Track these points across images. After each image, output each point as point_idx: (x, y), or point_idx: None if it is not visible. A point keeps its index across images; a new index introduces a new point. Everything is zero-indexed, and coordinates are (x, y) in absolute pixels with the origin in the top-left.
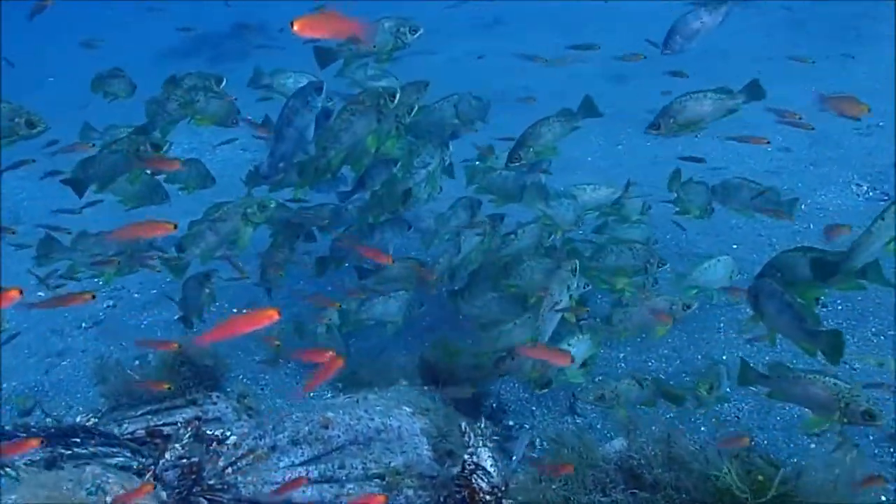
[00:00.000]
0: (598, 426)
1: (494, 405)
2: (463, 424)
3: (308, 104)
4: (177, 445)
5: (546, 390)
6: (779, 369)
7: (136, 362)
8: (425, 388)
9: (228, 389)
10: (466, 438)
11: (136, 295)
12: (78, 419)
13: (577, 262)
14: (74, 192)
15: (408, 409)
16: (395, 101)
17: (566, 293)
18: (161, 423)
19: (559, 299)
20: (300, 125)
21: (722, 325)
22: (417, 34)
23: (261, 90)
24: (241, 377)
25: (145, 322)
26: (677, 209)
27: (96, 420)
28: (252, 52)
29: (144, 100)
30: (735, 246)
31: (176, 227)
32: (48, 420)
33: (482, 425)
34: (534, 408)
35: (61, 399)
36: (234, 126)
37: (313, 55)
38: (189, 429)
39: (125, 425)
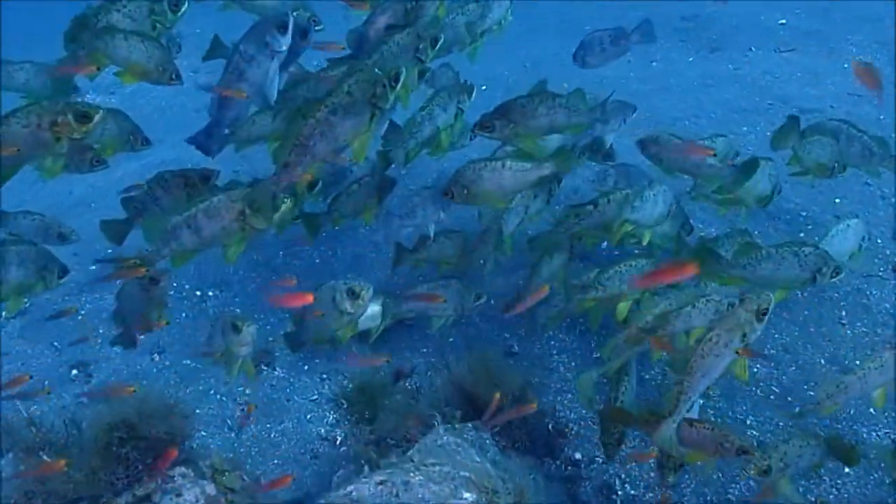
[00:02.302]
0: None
1: (551, 426)
2: None
3: (267, 48)
4: None
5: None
6: None
7: (75, 372)
8: (469, 425)
9: (198, 450)
10: None
11: (70, 272)
12: None
13: (770, 298)
14: None
15: (469, 496)
16: (399, 85)
17: (737, 342)
18: None
19: (720, 352)
20: (256, 79)
21: (845, 314)
22: None
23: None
24: (215, 394)
25: (84, 309)
26: (794, 170)
27: None
28: None
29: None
30: (837, 200)
31: None
32: None
33: None
34: None
35: None
36: (173, 83)
37: None
38: None
39: None
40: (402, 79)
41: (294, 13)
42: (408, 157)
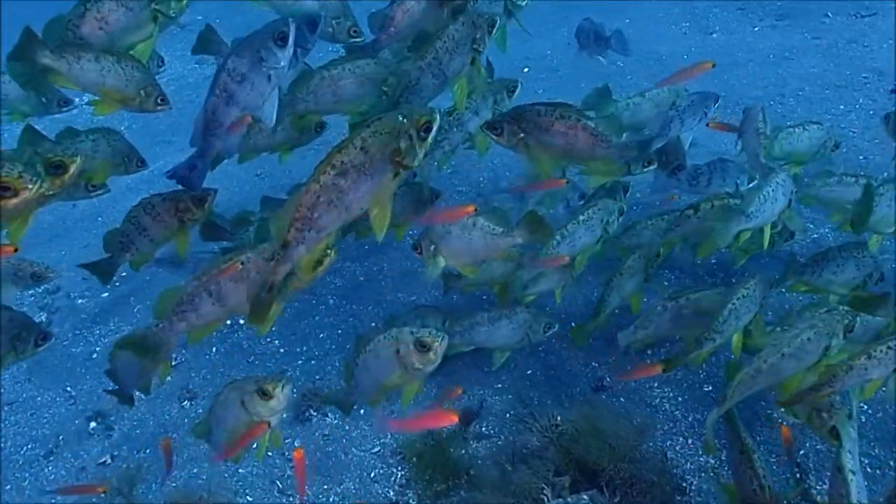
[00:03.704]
0: None
1: (665, 484)
2: None
3: (262, 64)
4: None
5: None
6: None
7: (93, 425)
8: (585, 497)
9: None
10: None
11: (79, 301)
12: None
13: None
14: None
15: None
16: (430, 136)
17: None
18: None
19: None
20: (249, 102)
21: None
22: None
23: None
24: None
25: (99, 346)
26: None
27: None
28: None
29: None
30: None
31: None
32: None
33: None
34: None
35: None
36: (160, 108)
37: None
38: None
39: None
40: (434, 128)
41: (335, 21)
42: (438, 166)
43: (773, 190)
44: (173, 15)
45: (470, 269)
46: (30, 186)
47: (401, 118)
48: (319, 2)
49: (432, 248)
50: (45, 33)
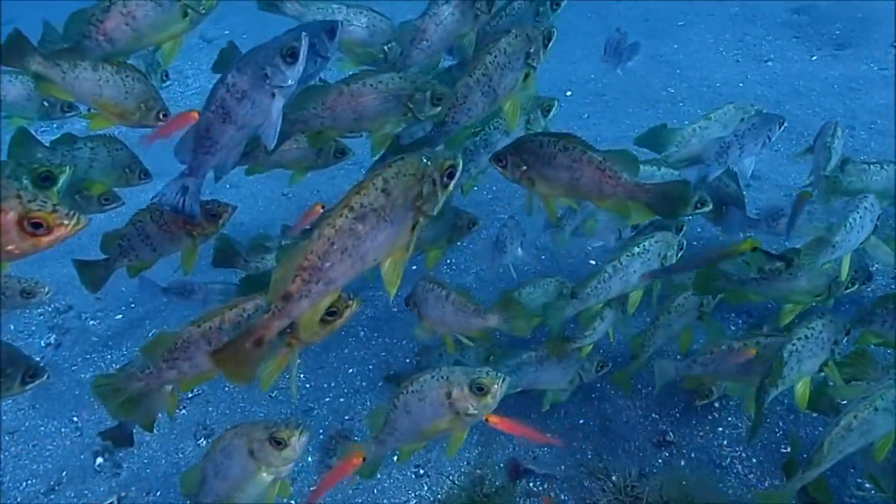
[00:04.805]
0: None
1: None
2: None
3: (266, 82)
4: None
5: None
6: None
7: (100, 461)
8: None
9: None
10: None
11: (91, 322)
12: None
13: None
14: None
15: None
16: (454, 182)
17: None
18: None
19: None
20: (247, 121)
21: None
22: None
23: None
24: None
25: (111, 371)
26: None
27: None
28: None
29: None
30: None
31: None
32: None
33: None
34: None
35: None
36: (159, 120)
37: None
38: None
39: None
40: (457, 175)
41: (387, 46)
42: (462, 190)
43: (860, 217)
44: (203, 11)
45: (449, 343)
46: (65, 222)
47: (425, 160)
48: (368, 27)
49: (416, 309)
50: (66, 29)
